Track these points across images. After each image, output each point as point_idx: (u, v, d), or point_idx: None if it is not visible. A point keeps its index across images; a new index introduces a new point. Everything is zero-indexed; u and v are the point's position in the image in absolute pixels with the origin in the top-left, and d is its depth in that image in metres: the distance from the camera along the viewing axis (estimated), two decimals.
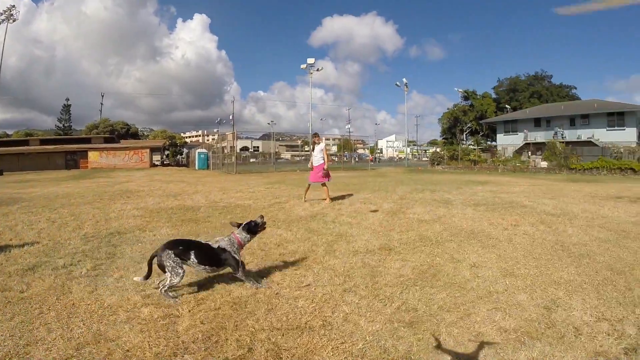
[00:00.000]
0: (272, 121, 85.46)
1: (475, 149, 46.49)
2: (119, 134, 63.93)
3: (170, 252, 4.04)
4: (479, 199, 12.53)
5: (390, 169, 39.35)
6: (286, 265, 5.19)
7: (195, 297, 4.01)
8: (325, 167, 11.43)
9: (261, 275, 4.74)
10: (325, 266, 5.15)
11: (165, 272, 4.06)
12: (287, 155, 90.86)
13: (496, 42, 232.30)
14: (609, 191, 15.47)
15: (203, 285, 4.38)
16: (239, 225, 4.67)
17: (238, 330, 3.29)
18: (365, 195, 13.49)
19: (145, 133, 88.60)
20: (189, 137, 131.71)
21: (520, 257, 5.64)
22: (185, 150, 71.16)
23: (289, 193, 14.26)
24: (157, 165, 52.15)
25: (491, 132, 62.58)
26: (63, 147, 50.26)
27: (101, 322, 3.42)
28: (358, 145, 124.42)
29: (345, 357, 2.95)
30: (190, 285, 4.39)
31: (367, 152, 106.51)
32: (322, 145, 11.82)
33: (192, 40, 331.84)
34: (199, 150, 45.65)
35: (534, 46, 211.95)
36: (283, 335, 3.21)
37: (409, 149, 76.56)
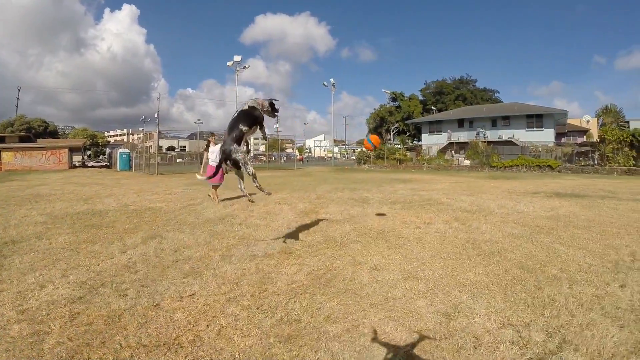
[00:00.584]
0: (199, 119, 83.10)
1: (401, 148, 47.22)
2: (36, 133, 58.03)
3: (235, 145, 4.55)
4: (397, 197, 12.31)
5: (317, 168, 39.11)
6: (176, 272, 4.71)
7: (71, 311, 3.57)
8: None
9: (144, 285, 4.24)
10: (217, 273, 4.66)
11: (239, 167, 4.56)
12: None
13: (425, 47, 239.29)
14: (527, 187, 15.87)
15: (82, 297, 3.91)
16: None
17: (104, 347, 2.96)
18: (283, 195, 12.93)
19: (67, 132, 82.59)
20: (113, 136, 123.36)
21: (427, 258, 5.26)
22: (108, 150, 66.87)
23: (205, 194, 13.50)
24: (77, 167, 48.57)
25: (417, 132, 64.03)
26: None
27: None
28: (287, 144, 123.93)
29: None
30: (69, 298, 3.88)
31: (295, 151, 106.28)
32: (218, 146, 11.41)
33: (120, 32, 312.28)
34: (120, 150, 42.84)
35: (460, 51, 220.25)
36: (148, 354, 2.87)
37: (336, 149, 76.75)
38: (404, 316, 3.40)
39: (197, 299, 3.84)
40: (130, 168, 38.50)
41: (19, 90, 67.37)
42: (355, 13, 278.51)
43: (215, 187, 11.34)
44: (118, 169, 39.01)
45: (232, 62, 45.89)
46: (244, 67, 47.53)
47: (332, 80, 55.71)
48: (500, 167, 33.55)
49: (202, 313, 3.52)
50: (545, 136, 41.63)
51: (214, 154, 11.09)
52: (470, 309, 3.55)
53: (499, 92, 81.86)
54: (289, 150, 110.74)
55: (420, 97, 78.91)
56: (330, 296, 3.86)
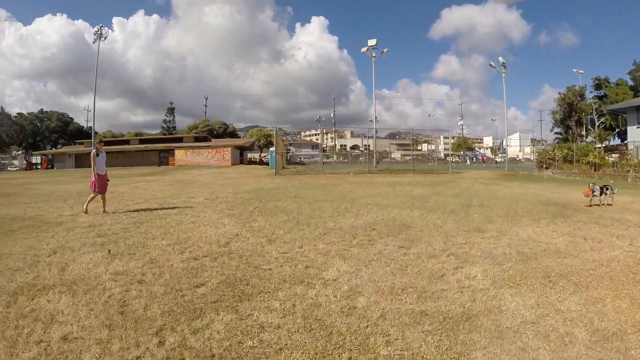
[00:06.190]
0: (376, 118, 78.33)
1: (597, 148, 33.78)
2: (217, 134, 64.24)
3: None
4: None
5: (480, 173, 30.15)
6: None
7: None
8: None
9: None
10: None
11: None
12: (397, 154, 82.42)
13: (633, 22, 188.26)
14: None
15: None
16: None
17: None
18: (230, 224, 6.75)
19: (244, 133, 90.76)
20: (309, 135, 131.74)
21: None
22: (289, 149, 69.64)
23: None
24: (242, 163, 50.64)
25: None
26: (155, 146, 52.32)
27: None
28: (479, 144, 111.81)
29: None
30: None
31: (486, 152, 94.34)
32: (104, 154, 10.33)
33: (313, 42, 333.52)
34: (271, 149, 42.60)
35: None
36: None
37: (528, 149, 63.09)
38: None
39: None
40: None
41: (207, 99, 79.40)
42: None
43: (97, 195, 9.90)
44: (269, 167, 37.75)
45: (366, 48, 38.19)
46: (382, 52, 39.40)
47: (500, 59, 42.08)
48: None
49: None
50: None
51: (101, 162, 10.11)
52: None
53: None
54: (483, 151, 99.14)
55: (630, 82, 58.75)
56: None
